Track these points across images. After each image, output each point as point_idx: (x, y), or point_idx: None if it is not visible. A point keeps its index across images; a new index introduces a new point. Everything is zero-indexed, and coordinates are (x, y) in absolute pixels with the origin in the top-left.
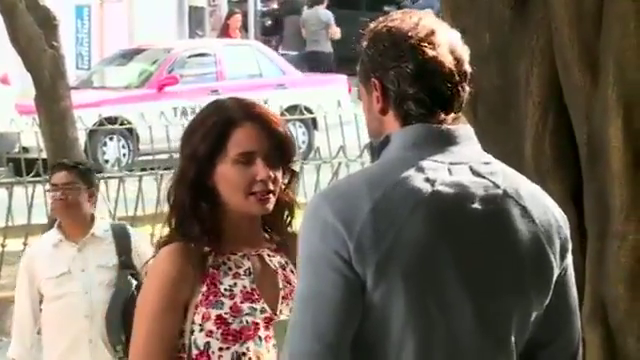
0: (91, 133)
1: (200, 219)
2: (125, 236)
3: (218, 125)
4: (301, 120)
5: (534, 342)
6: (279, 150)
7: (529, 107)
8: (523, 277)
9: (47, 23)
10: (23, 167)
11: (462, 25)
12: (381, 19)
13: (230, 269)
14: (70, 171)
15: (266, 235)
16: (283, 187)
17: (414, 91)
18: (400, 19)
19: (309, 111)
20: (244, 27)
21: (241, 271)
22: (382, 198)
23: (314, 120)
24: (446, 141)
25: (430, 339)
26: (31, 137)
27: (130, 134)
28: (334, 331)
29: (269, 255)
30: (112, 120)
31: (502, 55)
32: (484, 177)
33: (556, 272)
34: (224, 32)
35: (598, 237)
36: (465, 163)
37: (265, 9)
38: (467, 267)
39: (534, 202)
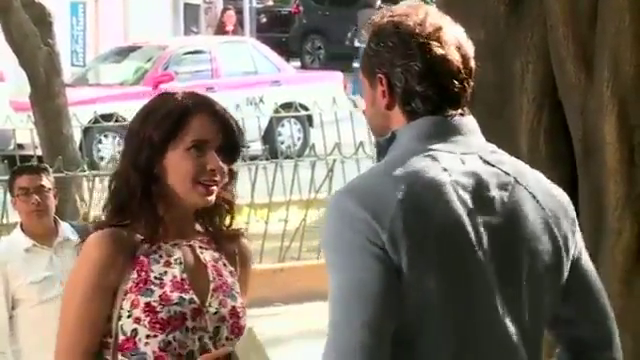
0: (86, 130)
1: (150, 205)
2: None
3: (174, 113)
4: (296, 117)
5: (565, 321)
6: (230, 145)
7: (524, 104)
8: (538, 261)
9: (42, 20)
10: (18, 164)
11: (457, 22)
12: (384, 12)
13: (161, 257)
14: (40, 174)
15: (199, 228)
16: (224, 186)
17: (422, 89)
18: (405, 14)
19: (304, 108)
20: (239, 24)
21: (172, 260)
22: (407, 189)
23: (309, 117)
24: (454, 132)
25: (462, 326)
26: (26, 134)
27: (125, 131)
28: (379, 316)
29: (200, 247)
30: (107, 117)
31: (497, 52)
32: (494, 165)
33: (567, 254)
34: (219, 29)
35: (593, 234)
36: (474, 153)
37: (260, 6)
38: (491, 253)
39: (540, 188)
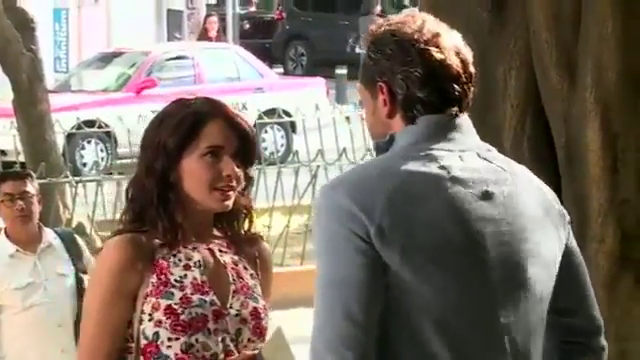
0: (69, 136)
1: (168, 211)
2: (74, 242)
3: (189, 118)
4: (279, 123)
5: (558, 310)
6: (245, 151)
7: (507, 110)
8: (537, 253)
9: (25, 26)
10: (0, 170)
11: None
12: (381, 22)
13: (180, 260)
14: (25, 179)
15: (218, 233)
16: (240, 191)
17: (423, 94)
18: (402, 22)
19: (287, 114)
20: (222, 30)
21: (191, 263)
22: (399, 185)
23: (292, 123)
24: (451, 130)
25: (456, 319)
26: (9, 140)
27: (108, 137)
28: (363, 310)
29: (220, 251)
30: (90, 123)
31: (480, 58)
32: (491, 162)
33: (559, 246)
34: (202, 35)
35: (577, 240)
36: (472, 150)
37: (243, 12)
38: (490, 248)
39: (531, 183)
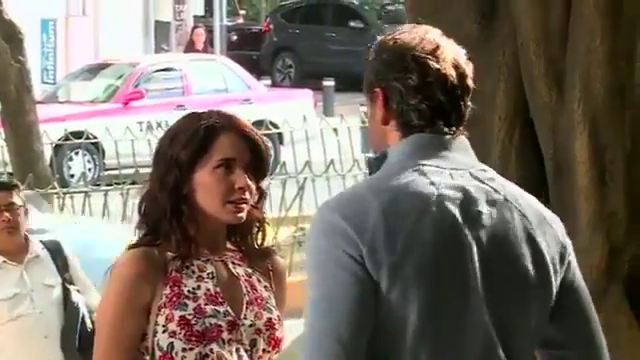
0: (57, 147)
1: (181, 224)
2: (61, 253)
3: (201, 131)
4: (267, 135)
5: (555, 344)
6: (257, 163)
7: (495, 122)
8: (526, 281)
9: (13, 37)
10: None
11: None
12: (389, 33)
13: (193, 272)
14: (10, 191)
15: (231, 246)
16: (254, 203)
17: (416, 102)
18: (407, 32)
19: (275, 126)
20: (210, 42)
21: (204, 274)
22: (390, 202)
23: (280, 135)
24: (444, 149)
25: (445, 343)
26: None
27: (96, 149)
28: (351, 331)
29: (233, 263)
30: (78, 134)
31: None
32: (484, 183)
33: (555, 276)
34: (189, 47)
35: None
36: (465, 169)
37: (231, 24)
38: (479, 268)
39: (531, 210)
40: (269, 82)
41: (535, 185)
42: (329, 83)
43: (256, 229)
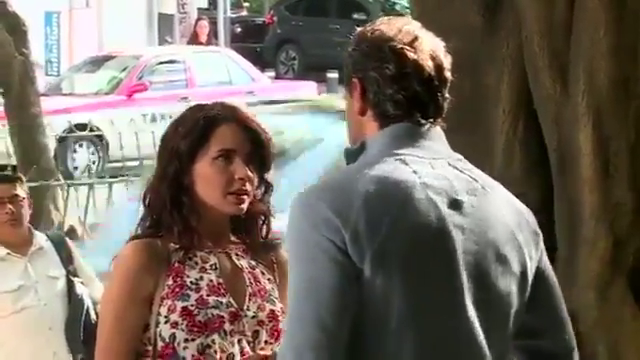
0: (61, 140)
1: (181, 215)
2: (65, 245)
3: (201, 122)
4: None
5: (528, 332)
6: (259, 154)
7: (499, 115)
8: (506, 267)
9: (16, 29)
10: None
11: (433, 32)
12: (367, 25)
13: (196, 264)
14: (14, 183)
15: (234, 238)
16: (259, 197)
17: (392, 92)
18: (386, 24)
19: None
20: (214, 34)
21: (207, 266)
22: (373, 190)
23: None
24: (422, 138)
25: (429, 328)
26: (0, 143)
27: (100, 141)
28: (333, 318)
29: (237, 255)
30: (82, 127)
31: (472, 62)
32: (462, 172)
33: (532, 263)
34: (193, 39)
35: (568, 244)
36: (443, 159)
37: (234, 16)
38: (460, 256)
39: (505, 200)
40: (273, 74)
41: (539, 177)
42: (333, 75)
43: (261, 222)
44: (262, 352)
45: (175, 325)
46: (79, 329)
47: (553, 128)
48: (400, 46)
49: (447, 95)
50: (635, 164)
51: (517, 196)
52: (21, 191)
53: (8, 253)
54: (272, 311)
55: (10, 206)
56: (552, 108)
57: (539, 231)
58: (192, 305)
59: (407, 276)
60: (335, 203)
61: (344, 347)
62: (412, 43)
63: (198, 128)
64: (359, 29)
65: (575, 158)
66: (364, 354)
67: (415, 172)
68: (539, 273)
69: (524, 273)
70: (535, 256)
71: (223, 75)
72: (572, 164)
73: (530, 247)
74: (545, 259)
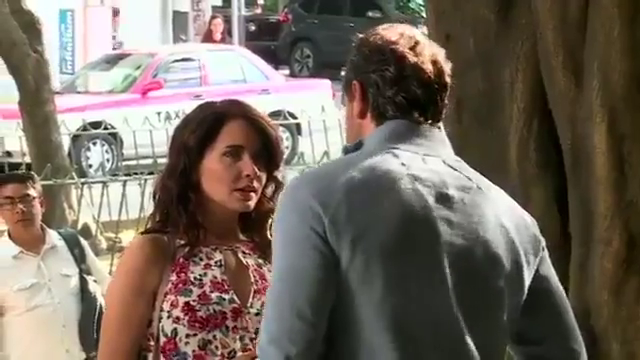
0: (75, 138)
1: (187, 210)
2: (78, 243)
3: (210, 118)
4: (285, 125)
5: (529, 339)
6: (267, 151)
7: (514, 112)
8: (496, 267)
9: (31, 27)
10: (7, 171)
11: (447, 30)
12: (370, 30)
13: (201, 260)
14: (26, 182)
15: (242, 236)
16: (269, 195)
17: (392, 94)
18: (388, 29)
19: (293, 116)
20: (228, 32)
21: (212, 262)
22: (357, 178)
23: (298, 125)
24: (419, 136)
25: (406, 316)
26: (15, 141)
27: (114, 139)
28: (311, 306)
29: (244, 252)
30: (96, 125)
31: (487, 60)
32: (457, 170)
33: (529, 268)
34: (207, 37)
35: (582, 243)
36: (438, 157)
37: (249, 14)
38: (445, 249)
39: (502, 201)
40: (287, 72)
41: (554, 175)
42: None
43: (270, 221)
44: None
45: (177, 320)
46: (92, 327)
47: (567, 126)
48: (401, 49)
49: (447, 101)
50: None
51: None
52: (32, 190)
53: (21, 252)
54: None
55: (21, 206)
56: (566, 106)
57: (541, 238)
58: (194, 300)
59: (386, 264)
60: (319, 191)
61: (322, 336)
62: (413, 48)
63: (206, 124)
64: (360, 35)
65: (589, 156)
66: (341, 343)
67: (403, 164)
68: (539, 279)
69: (518, 276)
70: (534, 262)
71: (237, 73)
72: (586, 162)
73: (528, 252)
74: (547, 265)
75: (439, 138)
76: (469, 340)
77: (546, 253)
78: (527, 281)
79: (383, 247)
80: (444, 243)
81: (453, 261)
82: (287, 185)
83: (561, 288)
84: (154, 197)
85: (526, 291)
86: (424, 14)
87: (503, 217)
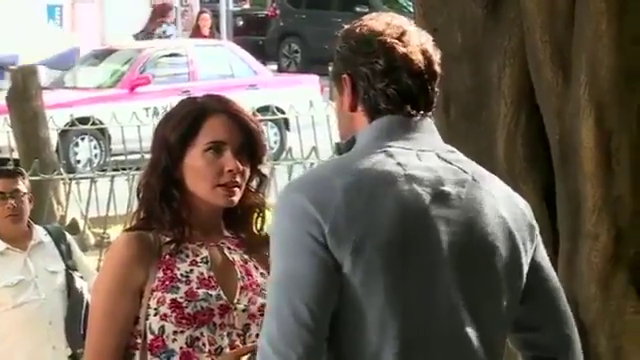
0: (63, 133)
1: (171, 207)
2: (64, 239)
3: (191, 114)
4: (273, 120)
5: (525, 326)
6: (250, 146)
7: (501, 107)
8: (496, 259)
9: None
10: None
11: (434, 24)
12: (355, 21)
13: (187, 256)
14: (16, 178)
15: (227, 232)
16: (253, 189)
17: (383, 86)
18: (374, 19)
19: (281, 111)
20: (216, 27)
21: (198, 259)
22: (354, 182)
23: (286, 120)
24: (411, 130)
25: (410, 320)
26: (2, 137)
27: (102, 134)
28: (311, 312)
29: (229, 248)
30: (84, 120)
31: (474, 55)
32: (451, 163)
33: (526, 257)
34: (195, 32)
35: (570, 237)
36: (431, 150)
37: (237, 9)
38: (444, 248)
39: (498, 190)
40: (275, 67)
41: (541, 170)
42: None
43: (255, 215)
44: (250, 345)
45: (164, 317)
46: (79, 323)
47: (555, 121)
48: (389, 40)
49: (437, 89)
50: (637, 157)
51: (517, 189)
52: (22, 186)
53: (8, 247)
54: (263, 305)
55: (11, 201)
56: (554, 101)
57: (535, 224)
58: (181, 297)
59: (388, 270)
60: (315, 196)
61: (324, 342)
62: (401, 37)
63: (188, 120)
64: (346, 26)
65: (577, 151)
66: (344, 349)
67: (399, 164)
68: (534, 266)
69: (517, 265)
70: (530, 249)
71: (225, 68)
72: (574, 157)
73: (525, 239)
74: (541, 252)
75: (430, 129)
76: (471, 335)
77: (540, 239)
78: (525, 269)
79: (384, 251)
80: (443, 242)
81: (453, 259)
82: (282, 190)
83: (553, 273)
84: (138, 194)
85: (525, 279)
86: (412, 9)
87: (500, 208)
